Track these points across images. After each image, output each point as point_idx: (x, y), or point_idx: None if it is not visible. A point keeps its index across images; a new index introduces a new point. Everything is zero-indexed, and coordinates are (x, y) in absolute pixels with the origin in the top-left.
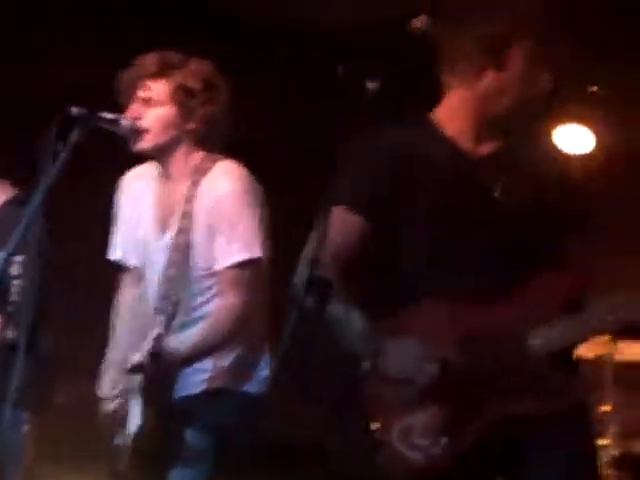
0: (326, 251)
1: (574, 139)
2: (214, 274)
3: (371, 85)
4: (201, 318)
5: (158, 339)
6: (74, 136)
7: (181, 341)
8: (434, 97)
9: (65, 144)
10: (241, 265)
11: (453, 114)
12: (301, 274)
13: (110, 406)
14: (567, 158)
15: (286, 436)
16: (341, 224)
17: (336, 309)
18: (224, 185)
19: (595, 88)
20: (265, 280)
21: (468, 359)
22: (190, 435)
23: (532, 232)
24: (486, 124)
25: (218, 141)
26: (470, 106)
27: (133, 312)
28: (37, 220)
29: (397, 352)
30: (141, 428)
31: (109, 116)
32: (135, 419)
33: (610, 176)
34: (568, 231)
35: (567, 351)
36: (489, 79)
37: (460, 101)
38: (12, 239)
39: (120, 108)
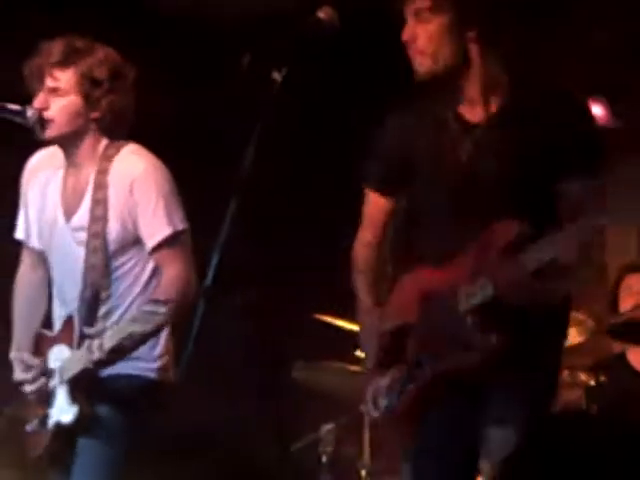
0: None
1: None
2: (123, 251)
3: (277, 75)
4: (115, 296)
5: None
6: None
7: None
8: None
9: None
10: (167, 240)
11: (470, 79)
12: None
13: (27, 389)
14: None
15: (191, 423)
16: (369, 202)
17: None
18: (136, 165)
19: None
20: None
21: (421, 321)
22: (103, 411)
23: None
24: (484, 91)
25: (123, 128)
26: (473, 71)
27: (32, 294)
28: None
29: (365, 318)
30: (78, 415)
31: (14, 108)
32: (65, 405)
33: None
34: (570, 175)
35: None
36: (474, 50)
37: (471, 67)
38: None
39: (26, 98)
